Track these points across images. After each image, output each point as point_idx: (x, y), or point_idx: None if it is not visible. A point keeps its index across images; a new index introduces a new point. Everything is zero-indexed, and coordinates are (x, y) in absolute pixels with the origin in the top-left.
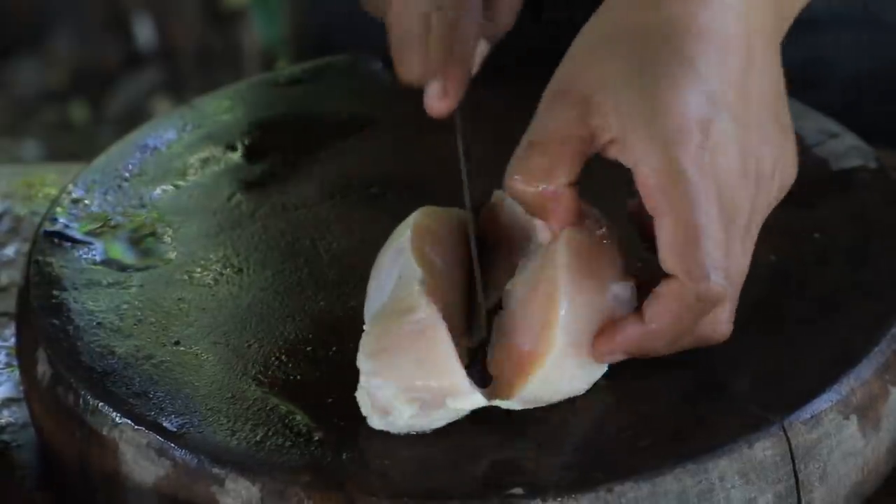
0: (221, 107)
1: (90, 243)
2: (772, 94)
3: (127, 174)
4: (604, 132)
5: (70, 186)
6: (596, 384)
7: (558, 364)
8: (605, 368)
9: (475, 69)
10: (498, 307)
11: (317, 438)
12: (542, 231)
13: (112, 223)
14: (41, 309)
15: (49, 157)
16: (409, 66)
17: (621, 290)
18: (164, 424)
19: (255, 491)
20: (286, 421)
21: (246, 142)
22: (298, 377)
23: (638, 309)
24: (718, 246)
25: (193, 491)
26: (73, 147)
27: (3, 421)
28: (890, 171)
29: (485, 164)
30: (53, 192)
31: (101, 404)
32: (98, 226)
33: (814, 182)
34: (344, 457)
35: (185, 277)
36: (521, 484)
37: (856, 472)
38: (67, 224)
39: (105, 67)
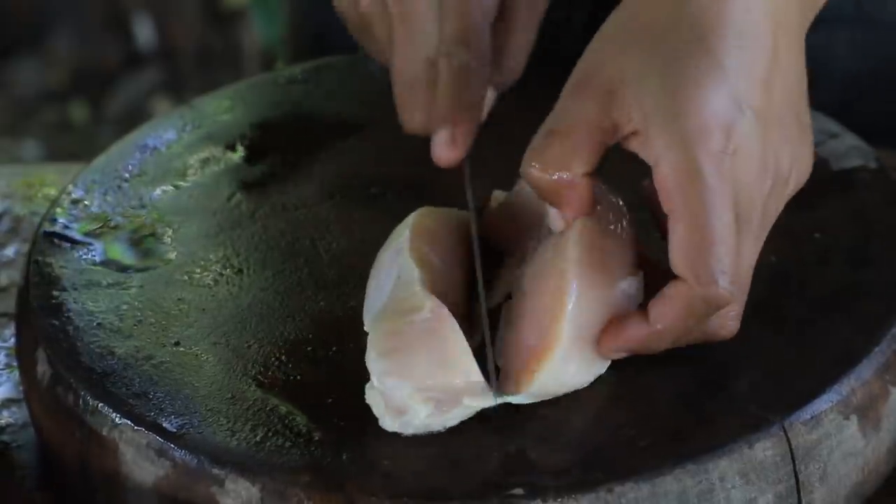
0: (221, 107)
1: (90, 244)
2: (795, 91)
3: (127, 174)
4: (626, 124)
5: (70, 187)
6: (596, 384)
7: (564, 358)
8: (608, 362)
9: (483, 117)
10: (505, 300)
11: (317, 439)
12: (555, 219)
13: (112, 223)
14: (41, 309)
15: (49, 157)
16: (414, 115)
17: (629, 285)
18: (164, 425)
19: (254, 491)
20: (286, 421)
21: (246, 142)
22: (298, 377)
23: (644, 305)
24: (729, 252)
25: (193, 491)
26: (73, 147)
27: (2, 421)
28: (890, 172)
29: (486, 165)
30: (53, 192)
31: (100, 405)
32: (98, 226)
33: (814, 182)
34: (344, 457)
35: (185, 278)
36: (521, 484)
37: (856, 472)
38: (67, 224)
39: (105, 67)
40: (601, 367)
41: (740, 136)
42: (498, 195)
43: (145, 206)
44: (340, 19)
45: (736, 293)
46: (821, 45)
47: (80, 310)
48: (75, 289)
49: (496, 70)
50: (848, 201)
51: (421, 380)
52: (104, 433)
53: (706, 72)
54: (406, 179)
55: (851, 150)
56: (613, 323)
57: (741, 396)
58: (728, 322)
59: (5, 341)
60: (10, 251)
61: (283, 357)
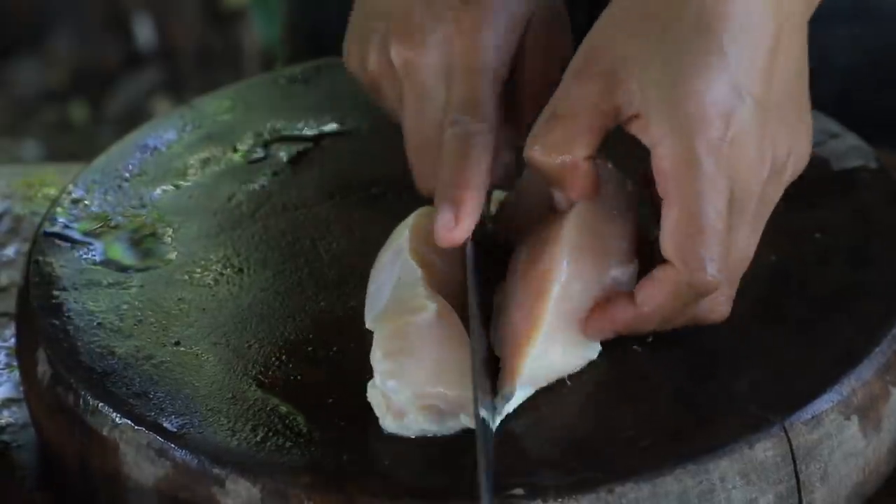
0: (221, 107)
1: (90, 243)
2: (795, 80)
3: (127, 174)
4: (627, 108)
5: (70, 186)
6: (596, 384)
7: (549, 340)
8: (598, 346)
9: (502, 181)
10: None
11: (317, 439)
12: (559, 199)
13: (112, 223)
14: (41, 309)
15: (49, 157)
16: (425, 181)
17: (622, 273)
18: (165, 425)
19: (255, 491)
20: (287, 421)
21: (246, 142)
22: (299, 377)
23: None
24: (720, 241)
25: (194, 491)
26: (73, 147)
27: (3, 421)
28: (890, 172)
29: None
30: (53, 192)
31: (101, 405)
32: (98, 226)
33: (815, 182)
34: (344, 457)
35: (186, 278)
36: (521, 485)
37: (857, 472)
38: (67, 224)
39: (105, 67)
40: (592, 352)
41: (739, 125)
42: (497, 196)
43: (146, 206)
44: (337, 19)
45: (724, 280)
46: (819, 39)
47: (81, 309)
48: (76, 288)
49: (514, 128)
50: (848, 201)
51: (420, 387)
52: (104, 433)
53: (708, 60)
54: (406, 179)
55: (852, 150)
56: (600, 304)
57: (742, 396)
58: (718, 306)
59: (5, 341)
60: (10, 251)
61: (284, 357)
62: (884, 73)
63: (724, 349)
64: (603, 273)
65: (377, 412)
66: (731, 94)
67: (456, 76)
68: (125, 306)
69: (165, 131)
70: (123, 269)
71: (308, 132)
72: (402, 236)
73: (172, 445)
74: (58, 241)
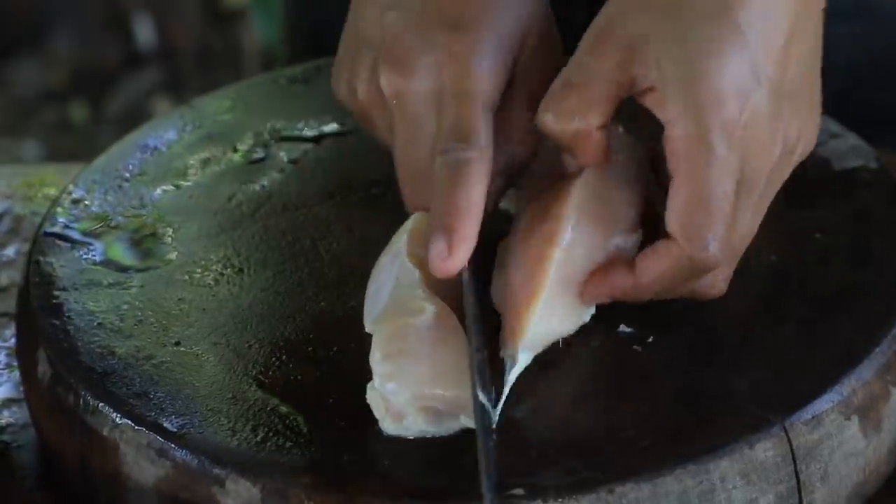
0: (221, 107)
1: (90, 243)
2: (808, 63)
3: (127, 174)
4: (642, 81)
5: (70, 187)
6: (596, 384)
7: (549, 306)
8: (592, 310)
9: (489, 208)
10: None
11: (317, 439)
12: (569, 162)
13: (112, 223)
14: (41, 309)
15: (49, 157)
16: (419, 208)
17: (624, 241)
18: (165, 425)
19: (255, 492)
20: (287, 421)
21: (246, 142)
22: (299, 377)
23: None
24: (724, 220)
25: (194, 491)
26: (73, 147)
27: (3, 421)
28: (891, 172)
29: None
30: (53, 192)
31: (101, 405)
32: (98, 226)
33: (815, 182)
34: (345, 457)
35: (186, 278)
36: (521, 485)
37: (857, 472)
38: (68, 224)
39: (105, 67)
40: (586, 315)
41: (754, 107)
42: (510, 194)
43: (146, 206)
44: (337, 20)
45: (724, 259)
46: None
47: (81, 310)
48: (76, 289)
49: (506, 154)
50: (849, 201)
51: (419, 388)
52: (105, 433)
53: (728, 39)
54: None
55: (852, 150)
56: (599, 270)
57: (742, 396)
58: (717, 283)
59: (6, 341)
60: (10, 251)
61: (284, 357)
62: (884, 73)
63: (724, 349)
64: (607, 239)
65: (376, 414)
66: (747, 76)
67: (447, 103)
68: (125, 306)
69: (165, 131)
70: (124, 269)
71: (308, 132)
72: (401, 240)
73: (173, 445)
74: (58, 242)
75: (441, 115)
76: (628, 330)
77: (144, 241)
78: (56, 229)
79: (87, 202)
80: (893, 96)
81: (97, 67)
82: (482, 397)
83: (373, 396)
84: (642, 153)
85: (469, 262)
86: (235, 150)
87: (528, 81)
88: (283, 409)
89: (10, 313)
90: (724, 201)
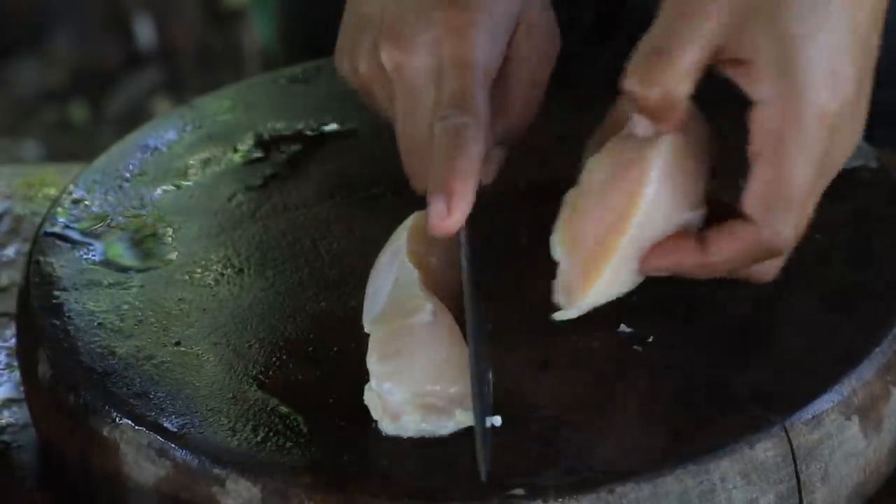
0: (221, 107)
1: (90, 244)
2: (874, 54)
3: (127, 174)
4: (733, 54)
5: (70, 187)
6: (596, 383)
7: (619, 266)
8: (642, 278)
9: (489, 178)
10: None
11: (317, 439)
12: (639, 124)
13: (112, 223)
14: (41, 309)
15: (49, 157)
16: (421, 179)
17: (692, 216)
18: (165, 425)
19: (255, 492)
20: (287, 421)
21: (246, 142)
22: (299, 377)
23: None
24: (803, 207)
25: (194, 491)
26: (73, 147)
27: (3, 421)
28: (891, 171)
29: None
30: (53, 192)
31: (101, 405)
32: (98, 226)
33: None
34: (345, 458)
35: (186, 278)
36: (521, 485)
37: (857, 472)
38: (68, 224)
39: (105, 67)
40: (634, 283)
41: (845, 95)
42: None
43: (146, 207)
44: (330, 21)
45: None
46: None
47: (81, 310)
48: (76, 289)
49: (503, 126)
50: (848, 201)
51: (417, 386)
52: (105, 433)
53: (823, 21)
54: (406, 180)
55: None
56: (667, 242)
57: (742, 396)
58: (773, 269)
59: (6, 341)
60: (10, 251)
61: (284, 357)
62: (884, 73)
63: (724, 349)
64: (679, 211)
65: (374, 415)
66: (844, 64)
67: (445, 74)
68: (126, 306)
69: (166, 131)
70: (124, 269)
71: (308, 132)
72: (401, 238)
73: (173, 445)
74: (58, 242)
75: (439, 85)
76: (628, 330)
77: (145, 242)
78: (56, 229)
79: (87, 202)
80: (893, 96)
81: (97, 67)
82: (478, 376)
83: (370, 397)
84: (708, 128)
85: (466, 226)
86: (235, 150)
87: (523, 58)
88: (283, 409)
89: (11, 313)
90: (806, 188)
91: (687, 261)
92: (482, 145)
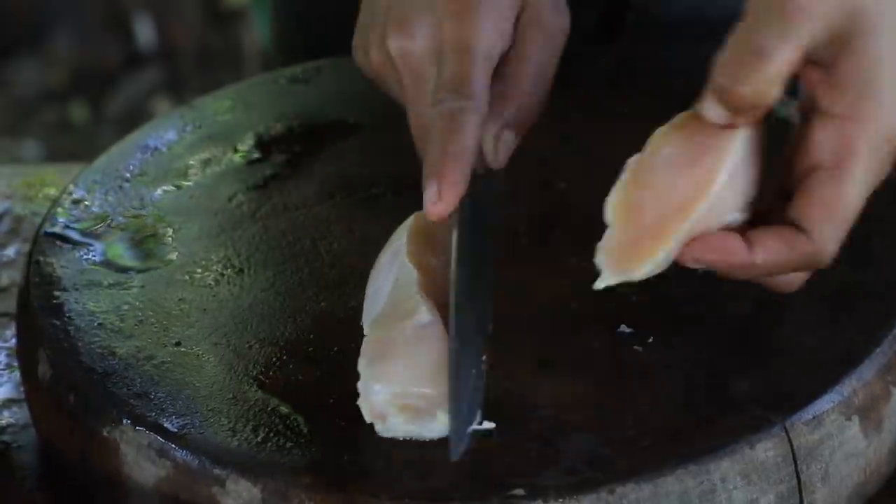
0: (221, 107)
1: (90, 244)
2: None
3: (128, 175)
4: (820, 60)
5: (70, 187)
6: (596, 383)
7: (670, 249)
8: (669, 263)
9: (499, 163)
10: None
11: (318, 439)
12: (713, 109)
13: (113, 224)
14: (42, 309)
15: (49, 157)
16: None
17: (740, 216)
18: (165, 425)
19: (256, 492)
20: (287, 422)
21: (247, 142)
22: (300, 378)
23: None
24: (846, 225)
25: (194, 492)
26: (73, 147)
27: (3, 422)
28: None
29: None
30: (53, 192)
31: (101, 405)
32: (99, 226)
33: None
34: (345, 458)
35: (186, 278)
36: (521, 485)
37: (858, 472)
38: (68, 224)
39: (105, 67)
40: (664, 267)
41: None
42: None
43: (146, 207)
44: (324, 21)
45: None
46: None
47: (81, 310)
48: (76, 289)
49: (512, 110)
50: None
51: (399, 387)
52: (105, 433)
53: None
54: (406, 180)
55: None
56: (714, 237)
57: (742, 397)
58: (798, 280)
59: (6, 341)
60: (10, 251)
61: (285, 357)
62: None
63: (725, 349)
64: (731, 210)
65: (366, 417)
66: None
67: (444, 57)
68: (126, 307)
69: (166, 131)
70: (124, 269)
71: (308, 132)
72: (401, 239)
73: (173, 446)
74: (58, 242)
75: (439, 69)
76: (628, 330)
77: (145, 242)
78: (56, 229)
79: (87, 202)
80: None
81: (97, 67)
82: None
83: (362, 399)
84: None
85: (459, 211)
86: (236, 151)
87: (530, 41)
88: (284, 409)
89: (11, 313)
90: (859, 207)
91: (731, 259)
92: (478, 129)
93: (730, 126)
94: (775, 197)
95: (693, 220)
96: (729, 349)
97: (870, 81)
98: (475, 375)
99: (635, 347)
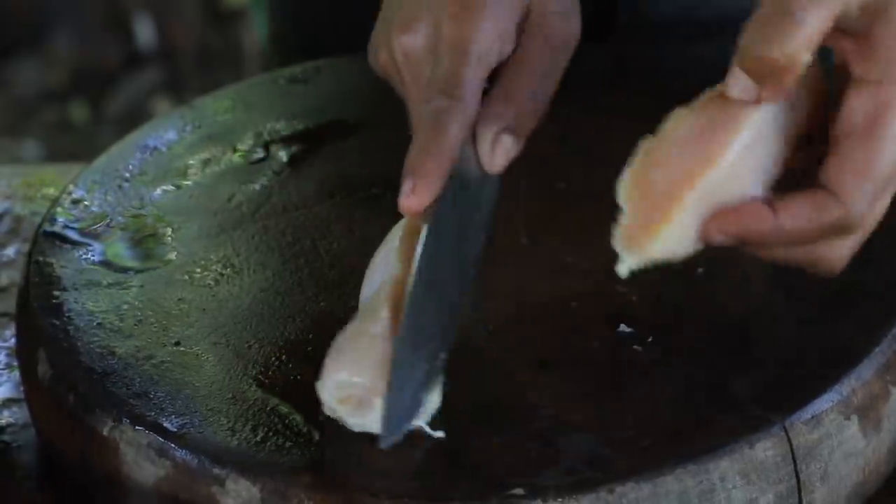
0: (222, 107)
1: (90, 244)
2: None
3: (127, 174)
4: (852, 27)
5: (70, 187)
6: (596, 383)
7: (684, 224)
8: (696, 245)
9: (495, 167)
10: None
11: (317, 439)
12: (738, 84)
13: (112, 223)
14: (41, 309)
15: (49, 157)
16: None
17: (763, 194)
18: (165, 425)
19: (255, 491)
20: (286, 421)
21: (246, 142)
22: (299, 377)
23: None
24: (884, 190)
25: (194, 491)
26: (73, 147)
27: (3, 421)
28: None
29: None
30: (53, 192)
31: (101, 404)
32: (98, 226)
33: None
34: (345, 458)
35: (186, 278)
36: (521, 484)
37: (857, 472)
38: (68, 224)
39: (105, 67)
40: (688, 249)
41: None
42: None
43: (146, 207)
44: (320, 23)
45: (861, 232)
46: None
47: (81, 310)
48: (76, 289)
49: (511, 114)
50: None
51: (340, 377)
52: (105, 433)
53: None
54: None
55: None
56: (733, 209)
57: (742, 396)
58: (841, 260)
59: (6, 341)
60: (10, 251)
61: (284, 357)
62: None
63: (724, 349)
64: (754, 187)
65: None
66: None
67: (441, 56)
68: (125, 306)
69: (166, 131)
70: (123, 269)
71: (308, 132)
72: (395, 238)
73: (172, 445)
74: (58, 242)
75: (434, 68)
76: (628, 330)
77: (144, 242)
78: (56, 229)
79: (87, 202)
80: None
81: (97, 67)
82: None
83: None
84: (804, 116)
85: (432, 214)
86: (235, 151)
87: (530, 47)
88: (283, 408)
89: (10, 313)
90: (884, 174)
91: (755, 225)
92: (462, 130)
93: (755, 101)
94: (806, 175)
95: (702, 188)
96: (729, 349)
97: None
98: (426, 372)
99: (635, 347)
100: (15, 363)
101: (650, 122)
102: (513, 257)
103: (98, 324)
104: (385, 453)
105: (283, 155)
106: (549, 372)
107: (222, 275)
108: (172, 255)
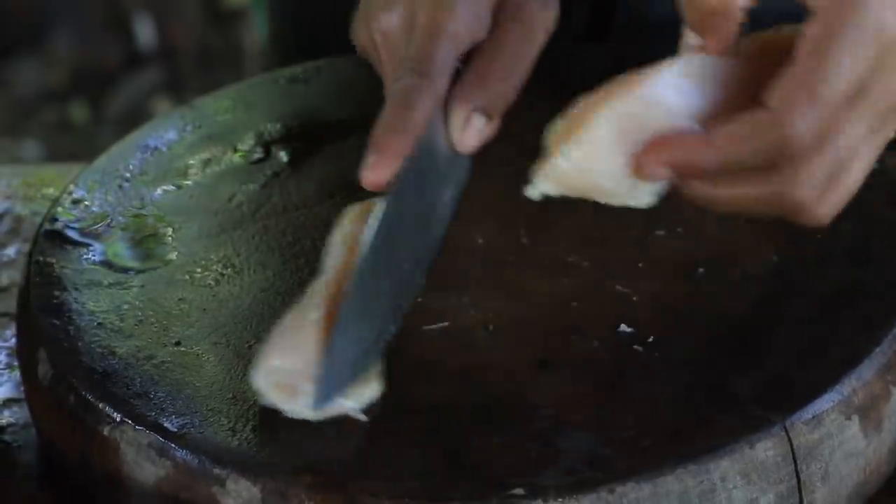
0: (221, 107)
1: (90, 244)
2: None
3: (128, 174)
4: None
5: (71, 186)
6: (596, 383)
7: (595, 142)
8: (652, 187)
9: (466, 147)
10: None
11: (318, 439)
12: (689, 39)
13: (113, 223)
14: (42, 309)
15: (49, 157)
16: None
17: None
18: (165, 425)
19: (255, 491)
20: (287, 421)
21: (246, 142)
22: None
23: None
24: (825, 113)
25: (194, 491)
26: (73, 147)
27: (3, 421)
28: (891, 171)
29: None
30: (53, 192)
31: (101, 405)
32: (99, 226)
33: None
34: (345, 458)
35: (186, 278)
36: (521, 484)
37: (857, 472)
38: (68, 224)
39: (105, 67)
40: (645, 196)
41: None
42: None
43: (146, 206)
44: (319, 23)
45: (819, 166)
46: None
47: (81, 310)
48: (76, 289)
49: (483, 96)
50: (849, 201)
51: (276, 363)
52: (105, 433)
53: None
54: None
55: None
56: (662, 137)
57: (742, 396)
58: (817, 205)
59: (6, 341)
60: (10, 251)
61: None
62: None
63: (725, 349)
64: (683, 116)
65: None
66: None
67: (414, 36)
68: (126, 306)
69: (166, 131)
70: (124, 269)
71: (308, 132)
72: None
73: (173, 445)
74: (58, 242)
75: (406, 46)
76: (628, 330)
77: (145, 242)
78: (57, 229)
79: (87, 202)
80: None
81: (97, 67)
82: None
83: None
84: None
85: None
86: (236, 151)
87: (505, 30)
88: None
89: (11, 313)
90: (832, 95)
91: (688, 150)
92: (427, 108)
93: (703, 53)
94: None
95: (619, 109)
96: (729, 349)
97: None
98: (366, 346)
99: (635, 347)
100: (15, 363)
101: None
102: (513, 257)
103: (99, 324)
104: (385, 453)
105: (283, 155)
106: (549, 372)
107: (223, 275)
108: (173, 255)
